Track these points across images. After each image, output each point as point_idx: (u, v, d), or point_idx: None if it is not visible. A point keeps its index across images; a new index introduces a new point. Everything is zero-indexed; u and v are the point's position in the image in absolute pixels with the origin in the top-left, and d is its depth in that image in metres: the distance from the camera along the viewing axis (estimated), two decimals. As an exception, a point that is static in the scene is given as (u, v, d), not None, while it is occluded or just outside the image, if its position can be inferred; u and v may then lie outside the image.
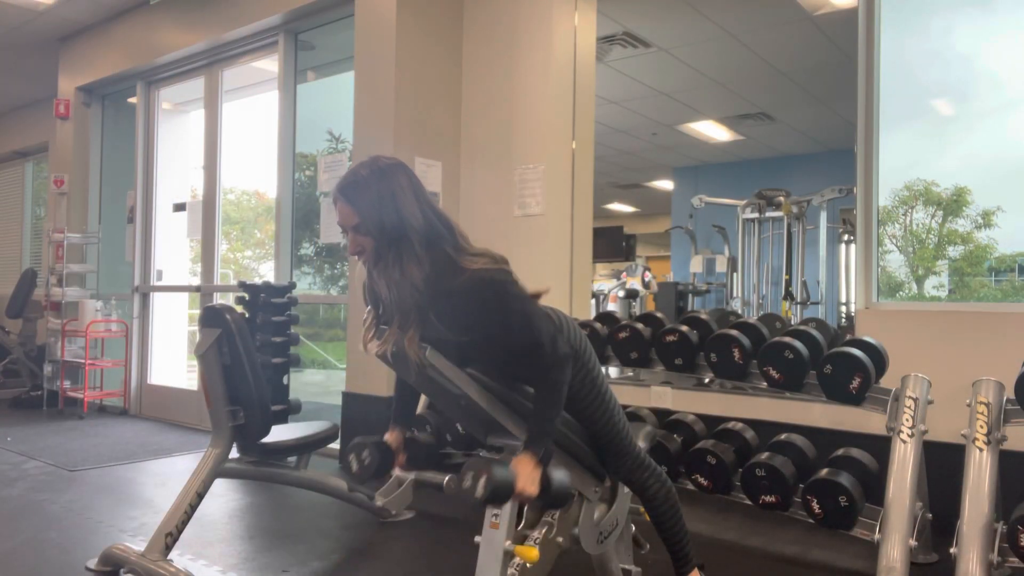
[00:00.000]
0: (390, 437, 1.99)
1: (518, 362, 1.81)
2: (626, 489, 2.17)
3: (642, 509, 2.17)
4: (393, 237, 1.68)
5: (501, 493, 1.65)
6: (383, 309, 1.78)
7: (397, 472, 1.99)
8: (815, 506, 2.62)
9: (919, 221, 6.11)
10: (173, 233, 6.50)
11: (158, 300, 6.47)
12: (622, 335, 3.19)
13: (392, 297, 1.71)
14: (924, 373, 2.55)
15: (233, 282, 6.20)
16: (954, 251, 6.42)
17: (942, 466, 2.82)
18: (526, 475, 1.68)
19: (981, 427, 2.31)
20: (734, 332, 2.90)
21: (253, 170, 9.24)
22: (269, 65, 5.66)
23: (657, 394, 4.01)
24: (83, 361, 6.15)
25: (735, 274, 8.49)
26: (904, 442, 2.40)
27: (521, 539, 1.93)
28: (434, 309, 1.71)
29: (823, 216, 7.76)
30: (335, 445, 4.47)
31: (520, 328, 1.74)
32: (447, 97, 4.59)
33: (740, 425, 3.16)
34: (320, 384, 6.71)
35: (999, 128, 4.39)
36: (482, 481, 1.64)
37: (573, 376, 1.95)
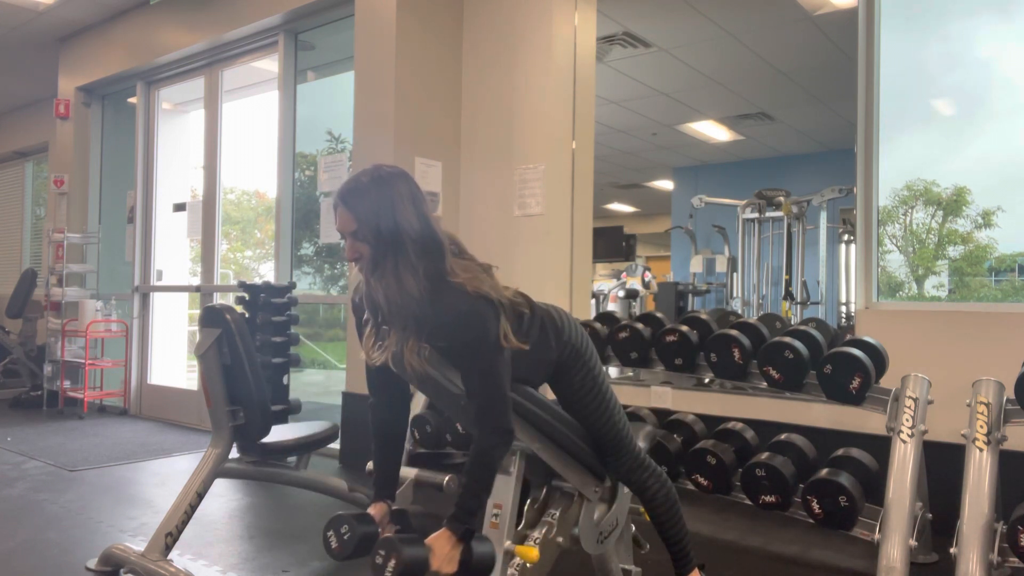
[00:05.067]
0: (374, 510, 1.84)
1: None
2: (626, 489, 2.17)
3: (642, 509, 2.17)
4: (390, 244, 1.68)
5: (412, 574, 1.56)
6: (381, 317, 1.78)
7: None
8: (815, 506, 2.61)
9: (919, 221, 6.10)
10: (173, 233, 6.50)
11: (158, 300, 6.47)
12: (622, 335, 3.19)
13: (391, 306, 1.71)
14: (924, 373, 2.55)
15: (233, 282, 6.20)
16: (954, 251, 6.42)
17: (942, 466, 2.82)
18: (443, 554, 1.61)
19: (981, 427, 2.31)
20: (734, 332, 2.90)
21: (253, 170, 9.26)
22: (269, 65, 5.66)
23: (657, 394, 4.01)
24: (83, 361, 6.16)
25: (735, 274, 8.49)
26: (904, 442, 2.40)
27: (521, 539, 1.93)
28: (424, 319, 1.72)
29: (823, 216, 7.76)
30: (335, 445, 4.47)
31: (479, 384, 1.71)
32: (447, 97, 4.59)
33: (740, 425, 3.15)
34: (320, 384, 6.71)
35: (1010, 131, 4.39)
36: (391, 564, 1.55)
37: (575, 375, 1.95)
